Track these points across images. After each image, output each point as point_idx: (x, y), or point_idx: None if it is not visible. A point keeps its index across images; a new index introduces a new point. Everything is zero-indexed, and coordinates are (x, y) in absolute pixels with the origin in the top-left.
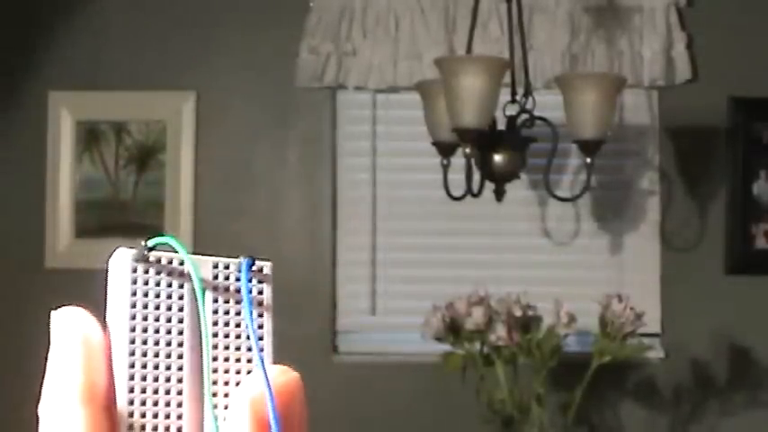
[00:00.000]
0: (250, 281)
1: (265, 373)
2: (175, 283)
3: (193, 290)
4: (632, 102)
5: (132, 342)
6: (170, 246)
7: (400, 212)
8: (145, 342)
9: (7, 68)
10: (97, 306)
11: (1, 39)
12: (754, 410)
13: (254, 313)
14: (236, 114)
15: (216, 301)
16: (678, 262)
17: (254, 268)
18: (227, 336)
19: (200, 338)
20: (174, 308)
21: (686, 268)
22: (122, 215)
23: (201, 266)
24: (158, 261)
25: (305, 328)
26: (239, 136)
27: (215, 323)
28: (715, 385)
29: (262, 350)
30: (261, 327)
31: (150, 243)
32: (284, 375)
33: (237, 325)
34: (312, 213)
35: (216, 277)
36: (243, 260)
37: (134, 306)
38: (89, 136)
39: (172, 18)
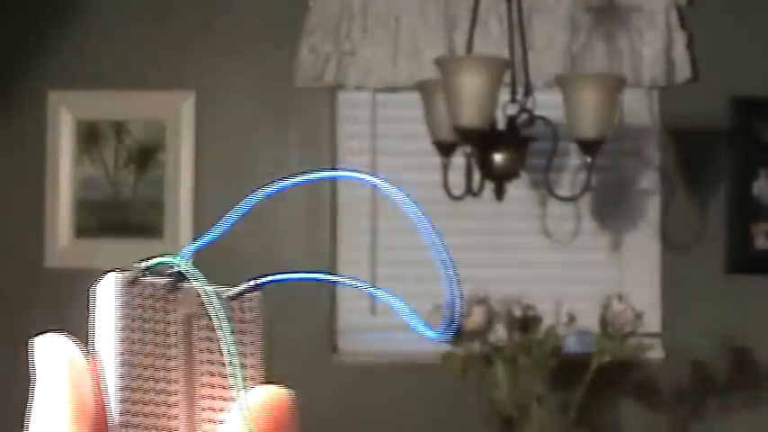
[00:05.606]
0: (236, 298)
1: (244, 396)
2: (166, 307)
3: (188, 315)
4: (632, 102)
5: (122, 365)
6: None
7: (400, 212)
8: (135, 366)
9: (7, 68)
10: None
11: (1, 39)
12: (754, 410)
13: (241, 338)
14: (236, 114)
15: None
16: (678, 262)
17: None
18: (220, 363)
19: (195, 365)
20: (167, 332)
21: (686, 268)
22: (122, 215)
23: (192, 294)
24: (150, 285)
25: (305, 328)
26: (239, 136)
27: (210, 351)
28: (715, 385)
29: (243, 377)
30: (251, 351)
31: (146, 264)
32: (275, 394)
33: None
34: (312, 212)
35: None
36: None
37: (124, 330)
38: (89, 136)
39: (171, 18)
